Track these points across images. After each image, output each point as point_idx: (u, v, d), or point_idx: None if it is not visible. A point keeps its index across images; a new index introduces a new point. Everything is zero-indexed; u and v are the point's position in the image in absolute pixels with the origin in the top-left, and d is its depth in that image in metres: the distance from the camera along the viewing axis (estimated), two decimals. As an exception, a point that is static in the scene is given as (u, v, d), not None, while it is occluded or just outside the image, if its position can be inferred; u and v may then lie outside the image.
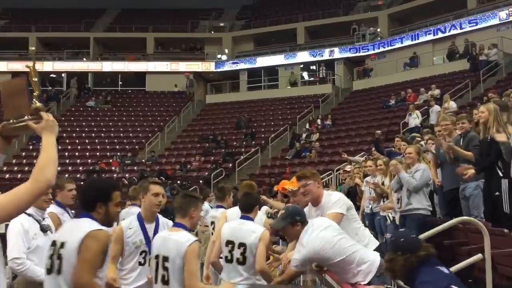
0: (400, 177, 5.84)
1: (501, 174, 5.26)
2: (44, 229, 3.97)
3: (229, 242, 4.06)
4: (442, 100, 17.32)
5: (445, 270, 2.86)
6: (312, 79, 29.01)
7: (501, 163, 5.27)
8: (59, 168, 11.95)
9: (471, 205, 5.59)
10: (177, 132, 25.76)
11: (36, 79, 2.56)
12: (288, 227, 3.60)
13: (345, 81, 27.40)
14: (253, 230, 4.04)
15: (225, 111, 27.11)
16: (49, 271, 2.79)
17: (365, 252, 3.60)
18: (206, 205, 11.56)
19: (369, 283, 3.41)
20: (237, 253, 3.99)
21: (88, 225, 2.69)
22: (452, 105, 15.88)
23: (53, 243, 2.80)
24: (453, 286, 2.64)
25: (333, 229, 3.56)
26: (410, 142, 7.38)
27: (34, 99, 2.44)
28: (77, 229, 2.68)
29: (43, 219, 4.07)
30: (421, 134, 9.97)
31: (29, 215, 3.91)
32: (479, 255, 3.80)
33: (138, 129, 25.82)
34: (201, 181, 19.28)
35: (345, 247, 3.52)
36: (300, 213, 3.67)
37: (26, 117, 2.39)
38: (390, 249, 2.93)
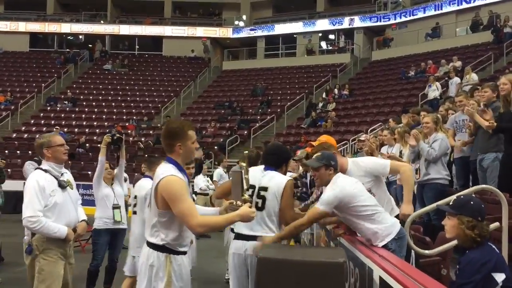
0: (420, 147, 5.78)
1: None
2: (62, 185, 3.83)
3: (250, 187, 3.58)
4: (463, 72, 17.03)
5: (496, 249, 2.80)
6: (330, 48, 28.59)
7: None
8: (76, 130, 12.13)
9: (488, 176, 5.53)
10: (192, 97, 25.75)
11: (247, 176, 3.30)
12: (322, 168, 3.61)
13: (364, 50, 26.95)
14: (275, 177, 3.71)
15: (242, 78, 26.96)
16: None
17: (386, 214, 3.60)
18: (220, 170, 11.66)
19: (385, 246, 3.41)
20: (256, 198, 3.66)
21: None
22: (474, 77, 15.59)
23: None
24: (494, 274, 2.59)
25: (362, 185, 3.64)
26: (430, 111, 7.27)
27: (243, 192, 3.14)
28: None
29: (61, 174, 3.90)
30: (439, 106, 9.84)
31: (45, 171, 3.80)
32: (497, 224, 3.77)
33: (154, 93, 25.85)
34: (215, 147, 19.35)
35: (371, 201, 3.57)
36: (335, 160, 3.67)
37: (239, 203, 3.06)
38: (469, 214, 2.72)
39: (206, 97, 25.69)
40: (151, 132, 21.87)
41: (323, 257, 2.90)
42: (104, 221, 5.87)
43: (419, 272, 2.69)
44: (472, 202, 2.87)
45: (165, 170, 2.95)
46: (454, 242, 4.22)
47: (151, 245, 2.95)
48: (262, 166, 3.86)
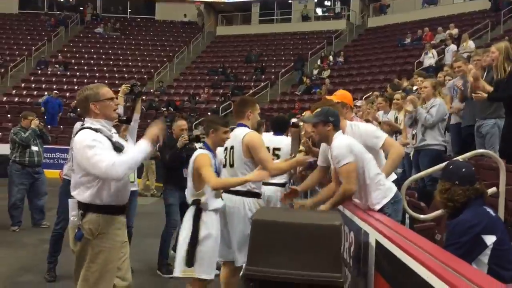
0: (417, 112, 5.69)
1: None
2: (119, 149, 3.09)
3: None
4: (460, 40, 16.85)
5: (491, 212, 2.76)
6: (326, 14, 28.12)
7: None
8: (67, 94, 11.72)
9: (487, 142, 5.48)
10: (186, 63, 25.40)
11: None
12: (319, 124, 3.52)
13: (360, 17, 26.54)
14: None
15: (236, 44, 26.57)
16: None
17: (384, 177, 3.54)
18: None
19: (382, 210, 3.36)
20: None
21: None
22: (471, 45, 15.42)
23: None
24: (483, 236, 2.55)
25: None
26: (427, 77, 7.17)
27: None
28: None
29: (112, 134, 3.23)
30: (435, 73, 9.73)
31: (96, 130, 3.04)
32: (494, 188, 3.74)
33: (147, 58, 25.45)
34: (209, 113, 19.20)
35: (372, 161, 3.51)
36: (334, 115, 3.55)
37: None
38: (446, 178, 2.76)
39: (200, 63, 25.35)
40: (144, 97, 21.59)
41: (319, 220, 2.85)
42: None
43: (416, 235, 2.65)
44: (451, 166, 2.84)
45: (244, 130, 4.06)
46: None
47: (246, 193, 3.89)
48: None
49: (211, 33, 28.16)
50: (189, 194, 3.87)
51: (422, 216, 3.91)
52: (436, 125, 5.73)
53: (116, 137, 3.25)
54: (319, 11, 28.60)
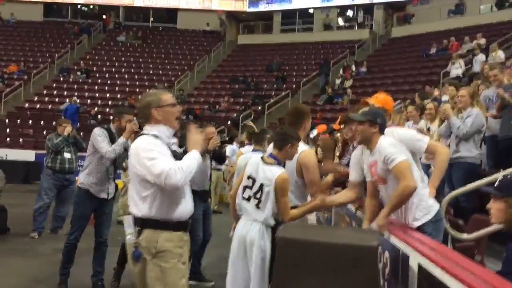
0: (450, 122, 5.34)
1: None
2: (178, 157, 2.85)
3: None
4: (488, 50, 16.35)
5: None
6: (348, 24, 27.80)
7: None
8: (88, 101, 11.48)
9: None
10: (207, 71, 25.31)
11: None
12: (366, 123, 3.19)
13: (383, 27, 26.15)
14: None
15: (257, 53, 26.40)
16: None
17: (427, 192, 3.21)
18: (234, 145, 11.36)
19: (421, 228, 3.03)
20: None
21: None
22: (500, 55, 14.93)
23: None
24: None
25: None
26: (459, 86, 6.80)
27: None
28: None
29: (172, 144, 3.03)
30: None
31: (155, 137, 2.84)
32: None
33: (168, 66, 25.45)
34: (229, 122, 19.00)
35: (417, 171, 3.19)
36: (382, 118, 3.24)
37: None
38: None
39: (220, 72, 25.24)
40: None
41: (353, 240, 2.54)
42: None
43: (466, 259, 2.32)
44: None
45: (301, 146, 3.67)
46: (497, 225, 3.87)
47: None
48: None
49: (232, 42, 28.09)
50: (269, 213, 3.48)
51: (465, 235, 3.56)
52: (472, 137, 5.37)
53: (175, 147, 3.05)
54: (341, 20, 28.30)
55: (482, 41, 18.44)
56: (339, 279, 2.40)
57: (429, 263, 2.31)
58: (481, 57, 15.71)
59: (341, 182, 4.57)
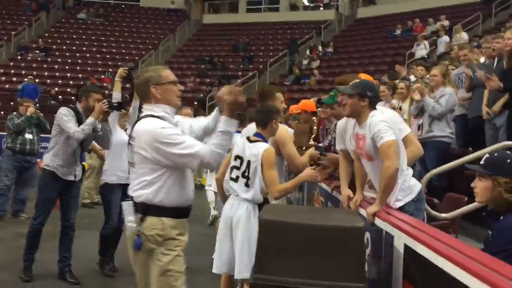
0: (425, 102, 5.33)
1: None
2: None
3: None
4: (451, 32, 16.60)
5: None
6: (314, 4, 27.68)
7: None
8: (48, 81, 10.88)
9: (501, 135, 5.14)
10: (172, 51, 24.81)
11: None
12: (355, 96, 3.07)
13: (349, 7, 26.17)
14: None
15: (223, 33, 26.00)
16: None
17: (411, 172, 3.17)
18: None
19: (402, 208, 2.99)
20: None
21: None
22: (464, 36, 15.16)
23: None
24: None
25: None
26: (428, 67, 6.82)
27: None
28: None
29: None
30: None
31: (160, 118, 2.62)
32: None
33: (131, 45, 24.78)
34: (195, 103, 18.71)
35: (403, 151, 3.13)
36: (373, 91, 3.11)
37: None
38: (506, 173, 2.31)
39: (186, 51, 24.79)
40: (127, 85, 20.97)
41: (338, 221, 2.47)
42: (118, 175, 5.02)
43: (452, 238, 2.28)
44: (509, 161, 2.45)
45: None
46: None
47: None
48: None
49: (197, 21, 27.55)
50: (258, 190, 3.49)
51: (444, 214, 3.56)
52: (444, 116, 5.39)
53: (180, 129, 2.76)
54: (306, 1, 28.13)
55: (446, 22, 18.69)
56: (324, 262, 2.32)
57: (417, 243, 2.26)
58: (445, 38, 15.94)
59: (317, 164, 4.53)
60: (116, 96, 4.86)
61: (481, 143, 5.53)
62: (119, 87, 4.91)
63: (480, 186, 2.39)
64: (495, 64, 5.32)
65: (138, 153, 2.58)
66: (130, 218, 2.57)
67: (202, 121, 3.06)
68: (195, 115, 15.23)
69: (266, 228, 2.40)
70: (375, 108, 3.11)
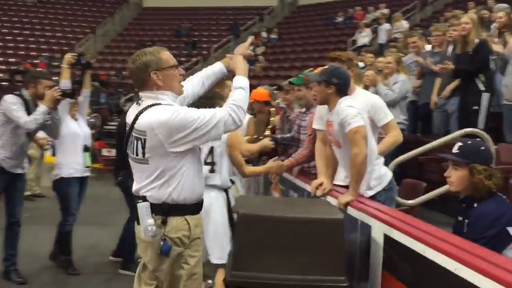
0: (377, 89, 5.39)
1: (482, 88, 4.99)
2: None
3: None
4: (391, 20, 17.05)
5: (506, 200, 2.42)
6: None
7: (484, 77, 4.99)
8: None
9: (453, 122, 5.30)
10: (111, 35, 23.89)
11: None
12: (322, 84, 3.00)
13: (291, -6, 26.23)
14: None
15: (165, 17, 25.33)
16: None
17: (383, 161, 3.16)
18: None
19: (373, 197, 2.98)
20: None
21: None
22: (404, 24, 15.59)
23: None
24: (509, 229, 2.20)
25: None
26: (376, 54, 6.92)
27: None
28: None
29: None
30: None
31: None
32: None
33: (67, 29, 23.61)
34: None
35: (373, 139, 3.12)
36: (341, 77, 3.02)
37: None
38: (483, 161, 2.32)
39: (126, 36, 23.95)
40: (76, 72, 20.04)
41: (317, 213, 2.41)
42: (73, 168, 4.71)
43: (429, 226, 2.28)
44: (482, 148, 2.48)
45: None
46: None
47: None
48: None
49: (137, 4, 26.66)
50: (226, 175, 3.48)
51: (410, 201, 3.60)
52: (398, 103, 5.47)
53: None
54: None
55: (386, 11, 19.16)
56: (305, 256, 2.26)
57: (397, 232, 2.24)
58: (386, 26, 16.32)
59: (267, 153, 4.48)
60: (66, 84, 4.55)
61: (428, 129, 5.70)
62: (67, 75, 4.60)
63: (456, 175, 2.40)
64: (449, 51, 5.48)
65: (153, 148, 2.30)
66: (149, 221, 2.28)
67: (192, 82, 2.79)
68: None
69: (244, 222, 2.30)
70: (345, 94, 3.07)
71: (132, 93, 17.12)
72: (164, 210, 2.30)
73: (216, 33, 23.30)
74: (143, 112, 2.34)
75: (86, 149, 4.85)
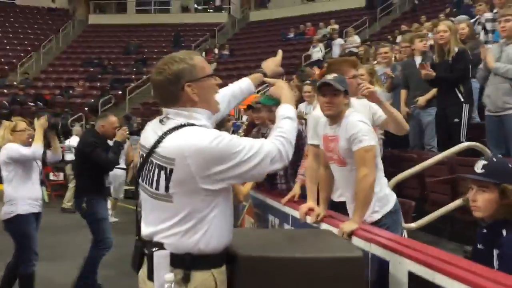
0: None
1: (462, 99, 4.83)
2: None
3: None
4: (342, 35, 17.24)
5: None
6: (205, 7, 27.33)
7: (463, 87, 4.83)
8: None
9: (428, 133, 5.11)
10: (55, 53, 22.87)
11: None
12: (342, 94, 2.69)
13: (241, 11, 26.19)
14: None
15: (111, 34, 24.60)
16: None
17: (387, 181, 2.85)
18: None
19: (377, 223, 2.64)
20: None
21: None
22: (356, 39, 15.75)
23: None
24: None
25: None
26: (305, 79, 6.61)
27: None
28: None
29: None
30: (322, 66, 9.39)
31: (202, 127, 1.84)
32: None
33: (8, 47, 22.39)
34: (86, 109, 17.33)
35: (380, 157, 2.83)
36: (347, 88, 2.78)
37: None
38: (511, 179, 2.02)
39: (71, 53, 23.00)
40: (5, 91, 18.92)
41: (330, 251, 2.02)
42: (30, 203, 4.27)
43: (458, 258, 1.96)
44: (511, 166, 2.19)
45: None
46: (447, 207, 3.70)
47: None
48: None
49: (82, 21, 25.75)
50: None
51: (412, 224, 3.29)
52: (373, 117, 5.23)
53: None
54: (197, 4, 27.68)
55: (336, 26, 19.40)
56: (321, 303, 1.87)
57: (425, 269, 1.89)
58: (339, 40, 16.46)
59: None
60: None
61: (405, 141, 5.52)
62: (41, 138, 4.34)
63: (483, 198, 2.08)
64: (417, 62, 5.33)
65: (181, 182, 1.76)
66: (168, 277, 1.71)
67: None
68: (86, 123, 14.09)
69: (245, 267, 1.88)
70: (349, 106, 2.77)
71: (80, 113, 16.31)
72: (188, 262, 1.77)
73: (166, 50, 22.74)
74: (170, 133, 1.79)
75: (42, 183, 4.47)
